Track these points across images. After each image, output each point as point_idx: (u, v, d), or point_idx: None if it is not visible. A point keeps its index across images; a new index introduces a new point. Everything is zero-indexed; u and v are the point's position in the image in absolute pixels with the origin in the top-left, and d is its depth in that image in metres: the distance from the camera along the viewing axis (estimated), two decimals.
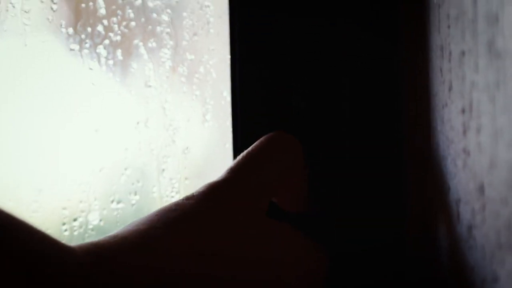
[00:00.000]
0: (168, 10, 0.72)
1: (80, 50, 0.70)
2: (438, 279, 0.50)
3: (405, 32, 0.55)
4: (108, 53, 0.71)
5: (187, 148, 0.74)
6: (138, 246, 0.41)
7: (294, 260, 0.46)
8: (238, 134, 0.56)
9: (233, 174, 0.47)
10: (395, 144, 0.55)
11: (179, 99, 0.74)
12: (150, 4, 0.72)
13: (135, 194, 0.72)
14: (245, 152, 0.49)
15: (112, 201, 0.71)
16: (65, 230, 0.69)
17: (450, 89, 0.46)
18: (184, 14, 0.72)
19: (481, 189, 0.42)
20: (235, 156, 0.56)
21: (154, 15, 0.72)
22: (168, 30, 0.72)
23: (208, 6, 0.72)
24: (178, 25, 0.73)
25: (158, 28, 0.72)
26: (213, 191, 0.46)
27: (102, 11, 0.70)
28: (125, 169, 0.73)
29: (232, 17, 0.57)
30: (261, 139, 0.50)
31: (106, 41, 0.71)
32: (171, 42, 0.72)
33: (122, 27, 0.71)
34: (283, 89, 0.56)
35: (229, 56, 0.58)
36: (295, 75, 0.56)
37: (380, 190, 0.55)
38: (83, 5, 0.70)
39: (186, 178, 0.73)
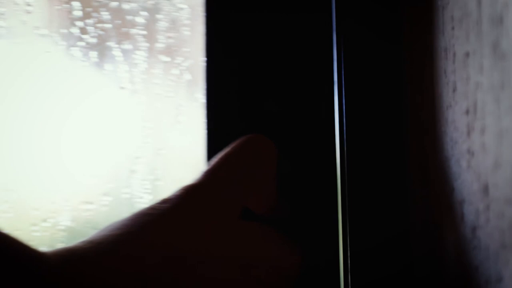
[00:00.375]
0: (143, 13, 0.71)
1: (55, 51, 0.69)
2: (443, 280, 0.50)
3: (408, 34, 0.55)
4: (84, 54, 0.70)
5: (159, 149, 0.73)
6: (113, 252, 0.40)
7: (267, 258, 0.47)
8: (211, 136, 0.56)
9: (209, 177, 0.47)
10: (399, 145, 0.55)
11: (152, 100, 0.73)
12: (126, 6, 0.71)
13: (107, 195, 0.71)
14: (221, 154, 0.49)
15: (83, 202, 0.70)
16: (35, 231, 0.68)
17: (454, 90, 0.46)
18: (159, 16, 0.72)
19: (485, 189, 0.42)
20: (208, 158, 0.55)
21: (130, 17, 0.71)
22: (143, 32, 0.71)
23: (183, 9, 0.72)
24: (153, 28, 0.72)
25: (133, 30, 0.71)
26: (188, 194, 0.46)
27: (78, 13, 0.69)
28: (97, 170, 0.72)
29: (207, 20, 0.57)
30: (237, 141, 0.50)
31: (82, 43, 0.70)
32: (146, 44, 0.72)
33: (97, 29, 0.70)
34: (257, 92, 0.56)
35: (203, 59, 0.57)
36: (270, 79, 0.56)
37: (385, 191, 0.55)
38: (58, 7, 0.69)
39: (158, 179, 0.72)
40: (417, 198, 0.54)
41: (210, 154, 0.55)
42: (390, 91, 0.56)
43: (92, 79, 0.72)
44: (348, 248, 0.54)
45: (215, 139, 0.55)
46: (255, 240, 0.47)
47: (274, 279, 0.46)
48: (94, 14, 0.70)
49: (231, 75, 0.56)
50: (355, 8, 0.56)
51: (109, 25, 0.71)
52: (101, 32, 0.71)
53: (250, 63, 0.56)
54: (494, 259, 0.41)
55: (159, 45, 0.72)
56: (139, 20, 0.71)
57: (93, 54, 0.71)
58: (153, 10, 0.72)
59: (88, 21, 0.70)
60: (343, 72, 0.56)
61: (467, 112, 0.44)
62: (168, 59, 0.72)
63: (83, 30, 0.70)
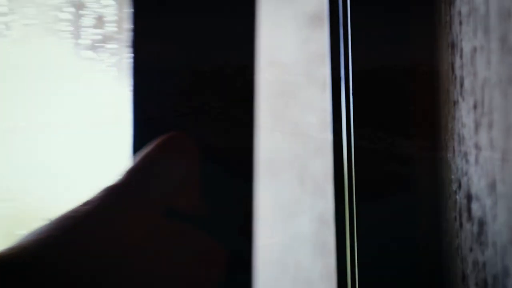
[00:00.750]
0: (70, 9, 0.71)
1: None
2: (450, 276, 0.50)
3: (415, 30, 0.55)
4: (9, 50, 0.70)
5: (85, 146, 0.73)
6: (37, 258, 0.41)
7: (191, 258, 0.47)
8: (137, 133, 0.56)
9: (131, 176, 0.47)
10: (405, 142, 0.55)
11: (79, 98, 0.73)
12: (52, 2, 0.71)
13: (28, 192, 0.71)
14: (142, 153, 0.49)
15: (1, 200, 0.70)
16: None
17: (461, 85, 0.46)
18: (85, 12, 0.71)
19: (493, 185, 0.42)
20: (134, 155, 0.55)
21: (56, 13, 0.71)
22: (69, 28, 0.71)
23: (110, 6, 0.71)
24: (79, 24, 0.72)
25: (59, 26, 0.71)
26: (110, 195, 0.45)
27: (3, 8, 0.69)
28: (19, 167, 0.71)
29: (134, 16, 0.57)
30: (158, 139, 0.50)
31: (7, 39, 0.70)
32: (72, 41, 0.72)
33: (23, 25, 0.70)
34: (184, 90, 0.57)
35: (130, 55, 0.57)
36: (197, 77, 0.57)
37: (391, 189, 0.55)
38: None
39: (83, 178, 0.72)
40: (423, 195, 0.54)
41: (136, 151, 0.55)
42: (396, 87, 0.56)
43: (15, 74, 0.71)
44: (355, 246, 0.54)
45: (141, 136, 0.56)
46: (179, 240, 0.47)
47: (199, 279, 0.47)
48: (20, 10, 0.70)
49: (158, 72, 0.56)
50: (365, 5, 0.56)
51: (34, 21, 0.70)
52: (26, 28, 0.70)
53: (177, 60, 0.56)
54: (502, 255, 0.41)
55: (86, 42, 0.72)
56: (65, 16, 0.71)
57: (19, 49, 0.71)
58: (80, 6, 0.72)
59: (13, 16, 0.70)
60: (350, 68, 0.56)
61: (475, 107, 0.44)
62: (93, 55, 0.72)
63: (8, 26, 0.70)
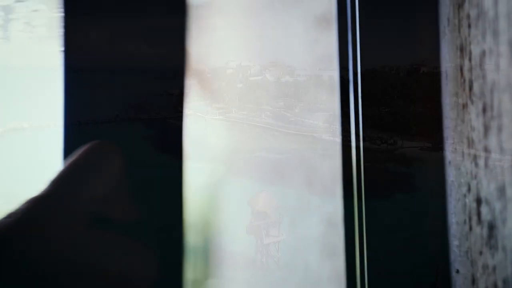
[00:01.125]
0: None
1: None
2: (459, 279, 0.49)
3: (423, 33, 0.55)
4: None
5: (14, 155, 0.72)
6: None
7: (118, 266, 0.46)
8: (68, 139, 0.56)
9: (55, 187, 0.46)
10: (411, 144, 0.55)
11: (9, 104, 0.72)
12: None
13: None
14: (66, 162, 0.48)
15: None
16: None
17: (470, 89, 0.46)
18: (14, 16, 0.71)
19: (502, 188, 0.42)
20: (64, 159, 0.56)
21: None
22: None
23: (39, 11, 0.71)
24: (8, 28, 0.71)
25: None
26: (33, 207, 0.45)
27: None
28: None
29: (64, 20, 0.57)
30: (83, 148, 0.49)
31: None
32: (1, 45, 0.71)
33: None
34: (116, 93, 0.57)
35: (60, 58, 0.57)
36: (127, 83, 0.57)
37: (400, 191, 0.55)
38: None
39: (8, 187, 0.71)
40: (434, 198, 0.54)
41: (67, 155, 0.55)
42: (404, 89, 0.56)
43: None
44: (364, 248, 0.54)
45: (72, 140, 0.56)
46: (107, 247, 0.47)
47: (128, 285, 0.46)
48: None
49: (89, 75, 0.56)
50: (373, 7, 0.56)
51: None
52: None
53: (109, 63, 0.56)
54: None
55: (15, 47, 0.71)
56: None
57: None
58: (8, 10, 0.71)
59: None
60: (358, 70, 0.56)
61: (484, 110, 0.44)
62: (24, 61, 0.71)
63: None
